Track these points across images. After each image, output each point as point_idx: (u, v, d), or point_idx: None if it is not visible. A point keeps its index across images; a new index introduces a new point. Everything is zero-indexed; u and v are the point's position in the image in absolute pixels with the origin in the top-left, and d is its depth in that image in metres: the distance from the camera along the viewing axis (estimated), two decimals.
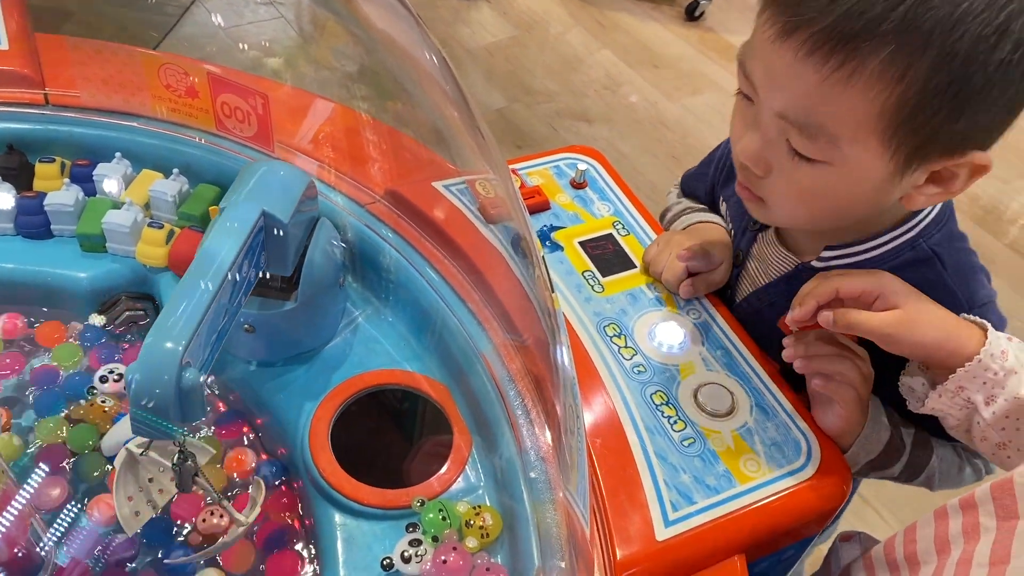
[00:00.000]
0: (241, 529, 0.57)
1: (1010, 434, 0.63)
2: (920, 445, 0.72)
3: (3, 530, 0.48)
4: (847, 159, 0.61)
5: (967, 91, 0.56)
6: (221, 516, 0.61)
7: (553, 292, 0.62)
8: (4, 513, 0.48)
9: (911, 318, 0.64)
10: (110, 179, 0.80)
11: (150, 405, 0.51)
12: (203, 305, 0.54)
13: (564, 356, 0.59)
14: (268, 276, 0.69)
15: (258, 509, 0.58)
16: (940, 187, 0.64)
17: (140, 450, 0.57)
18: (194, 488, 0.58)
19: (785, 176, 0.65)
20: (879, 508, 1.47)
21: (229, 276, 0.56)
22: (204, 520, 0.61)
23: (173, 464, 0.56)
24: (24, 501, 0.50)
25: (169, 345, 0.51)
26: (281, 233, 0.63)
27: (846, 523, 0.87)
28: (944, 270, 0.69)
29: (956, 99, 0.57)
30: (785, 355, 0.70)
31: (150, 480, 0.59)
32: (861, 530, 0.79)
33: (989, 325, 0.64)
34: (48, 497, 0.59)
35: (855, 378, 0.67)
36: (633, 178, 2.21)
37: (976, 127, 0.59)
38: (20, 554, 0.51)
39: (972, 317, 0.66)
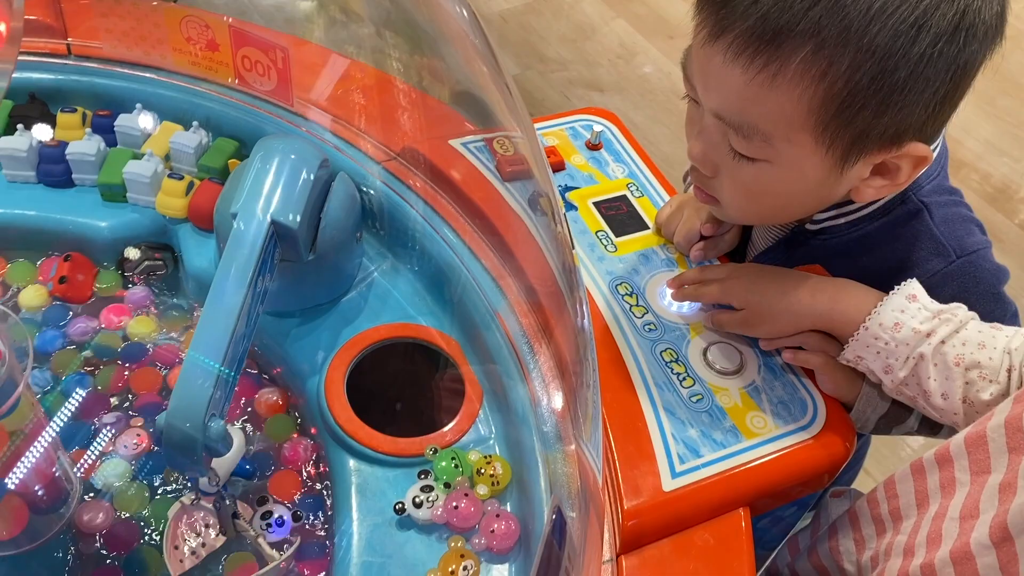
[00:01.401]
0: (269, 567, 0.59)
1: (914, 390, 0.65)
2: None
3: (32, 463, 0.49)
4: (784, 157, 0.63)
5: (891, 85, 0.57)
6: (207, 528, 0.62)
7: (573, 249, 0.63)
8: (33, 446, 0.49)
9: (754, 314, 0.70)
10: (134, 118, 0.81)
11: (178, 462, 0.56)
12: (213, 376, 0.55)
13: (582, 310, 0.60)
14: None
15: (289, 553, 0.60)
16: (886, 179, 0.65)
17: (191, 501, 0.61)
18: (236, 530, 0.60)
19: (730, 176, 0.67)
20: (868, 466, 1.49)
21: (242, 313, 0.58)
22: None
23: (214, 505, 0.59)
24: (53, 435, 0.52)
25: (188, 425, 0.54)
26: (292, 236, 0.64)
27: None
28: (932, 221, 0.70)
29: (880, 94, 0.57)
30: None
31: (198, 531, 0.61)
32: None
33: (886, 299, 0.65)
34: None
35: (816, 343, 0.69)
36: (645, 148, 2.20)
37: (907, 120, 0.60)
38: (47, 487, 0.53)
39: (873, 292, 0.67)
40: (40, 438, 0.50)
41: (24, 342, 0.47)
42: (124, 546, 0.59)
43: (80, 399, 0.67)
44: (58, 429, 0.53)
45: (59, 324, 0.72)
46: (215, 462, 0.59)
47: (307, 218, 0.65)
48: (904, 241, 0.71)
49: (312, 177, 0.66)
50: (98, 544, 0.59)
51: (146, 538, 0.61)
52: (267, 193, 0.63)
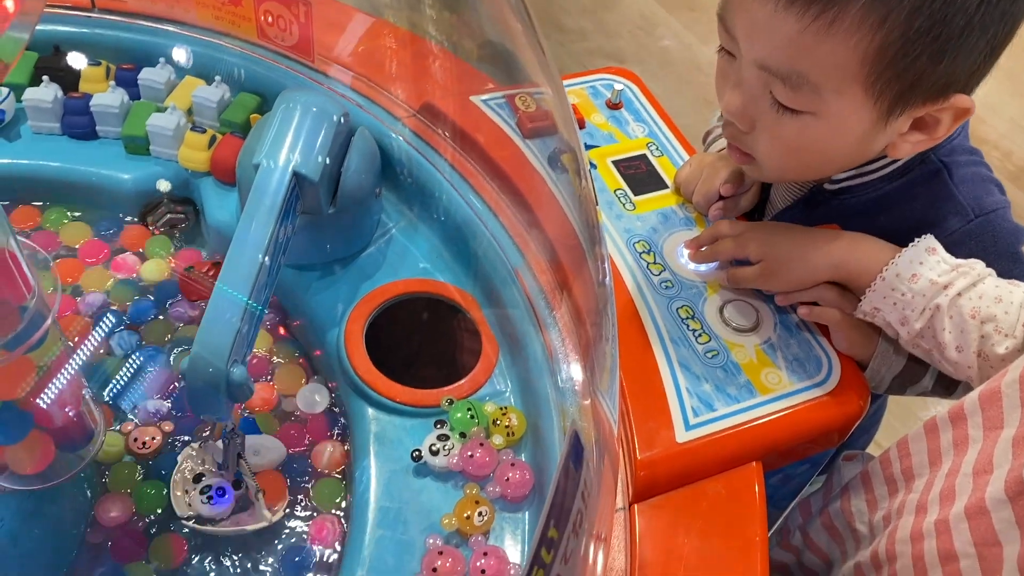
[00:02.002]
0: (263, 524, 0.59)
1: (930, 342, 0.65)
2: None
3: (57, 396, 0.50)
4: (831, 108, 0.62)
5: (948, 33, 0.56)
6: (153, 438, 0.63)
7: (597, 205, 0.63)
8: (57, 378, 0.50)
9: (770, 266, 0.70)
10: (157, 79, 0.81)
11: (203, 404, 0.56)
12: (240, 311, 0.56)
13: (603, 265, 0.60)
14: None
15: (281, 514, 0.61)
16: (924, 133, 0.64)
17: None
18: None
19: (770, 130, 0.66)
20: (877, 437, 1.49)
21: (264, 259, 0.59)
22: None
23: (222, 437, 0.60)
24: (78, 369, 0.53)
25: (211, 370, 0.54)
26: (313, 189, 0.65)
27: None
28: (951, 180, 0.70)
29: (937, 42, 0.57)
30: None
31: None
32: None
33: (905, 250, 0.66)
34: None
35: (832, 298, 0.69)
36: None
37: (958, 70, 0.59)
38: (72, 423, 0.54)
39: (890, 245, 0.67)
40: (65, 372, 0.51)
41: (55, 280, 0.47)
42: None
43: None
44: (82, 364, 0.54)
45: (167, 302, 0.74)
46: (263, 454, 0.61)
47: (328, 171, 0.66)
48: (923, 200, 0.70)
49: (333, 131, 0.66)
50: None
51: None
52: (289, 145, 0.64)
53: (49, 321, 0.47)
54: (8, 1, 0.33)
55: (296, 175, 0.63)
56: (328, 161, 0.65)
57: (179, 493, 0.60)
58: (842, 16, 0.57)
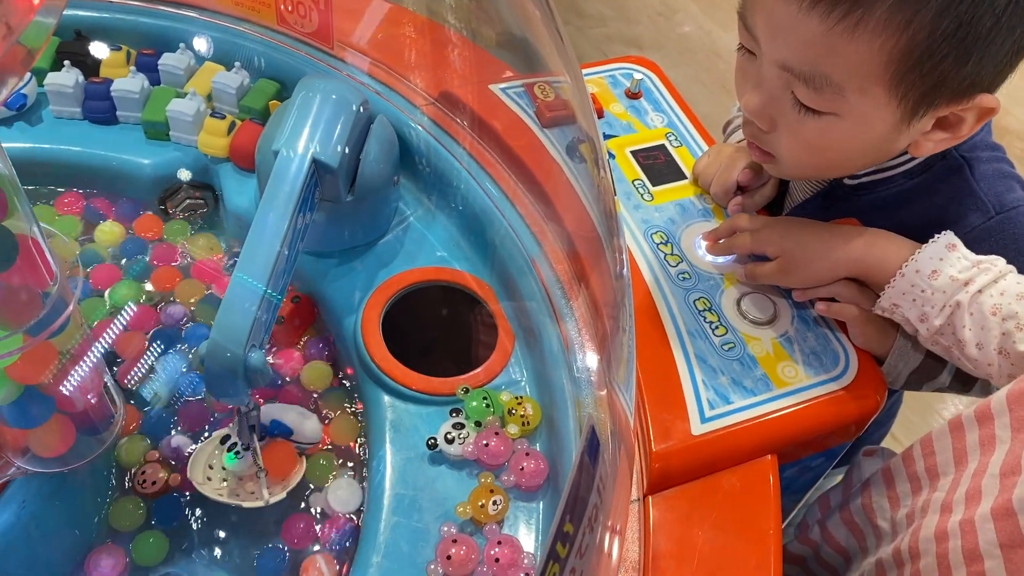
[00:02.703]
0: (258, 503, 0.60)
1: (949, 339, 0.64)
2: None
3: (79, 381, 0.51)
4: (854, 109, 0.61)
5: (974, 35, 0.56)
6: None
7: (616, 196, 0.63)
8: (80, 365, 0.51)
9: (788, 261, 0.70)
10: (177, 64, 0.82)
11: (221, 388, 0.57)
12: (258, 296, 0.56)
13: (621, 256, 0.60)
14: None
15: (283, 495, 0.61)
16: (947, 132, 0.64)
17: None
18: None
19: (791, 130, 0.65)
20: (893, 430, 1.48)
21: (284, 244, 0.59)
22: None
23: (239, 412, 0.60)
24: (99, 355, 0.53)
25: (229, 355, 0.55)
26: (332, 176, 0.65)
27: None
28: (972, 177, 0.69)
29: (964, 43, 0.56)
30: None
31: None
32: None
33: (925, 247, 0.65)
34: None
35: (851, 294, 0.69)
36: None
37: (983, 71, 0.58)
38: (93, 407, 0.55)
39: (910, 241, 0.67)
40: (87, 358, 0.51)
41: (74, 263, 0.48)
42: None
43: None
44: (104, 351, 0.55)
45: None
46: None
47: (347, 158, 0.66)
48: (943, 197, 0.70)
49: (353, 119, 0.66)
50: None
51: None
52: (308, 133, 0.64)
53: (72, 307, 0.48)
54: None
55: (315, 163, 0.63)
56: (347, 150, 0.65)
57: (202, 458, 0.61)
58: (867, 18, 0.56)
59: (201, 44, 0.84)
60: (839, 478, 0.81)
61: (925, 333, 0.65)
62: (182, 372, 0.67)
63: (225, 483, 0.60)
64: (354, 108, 0.67)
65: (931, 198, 0.70)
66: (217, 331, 0.55)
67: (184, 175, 0.78)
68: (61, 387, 0.50)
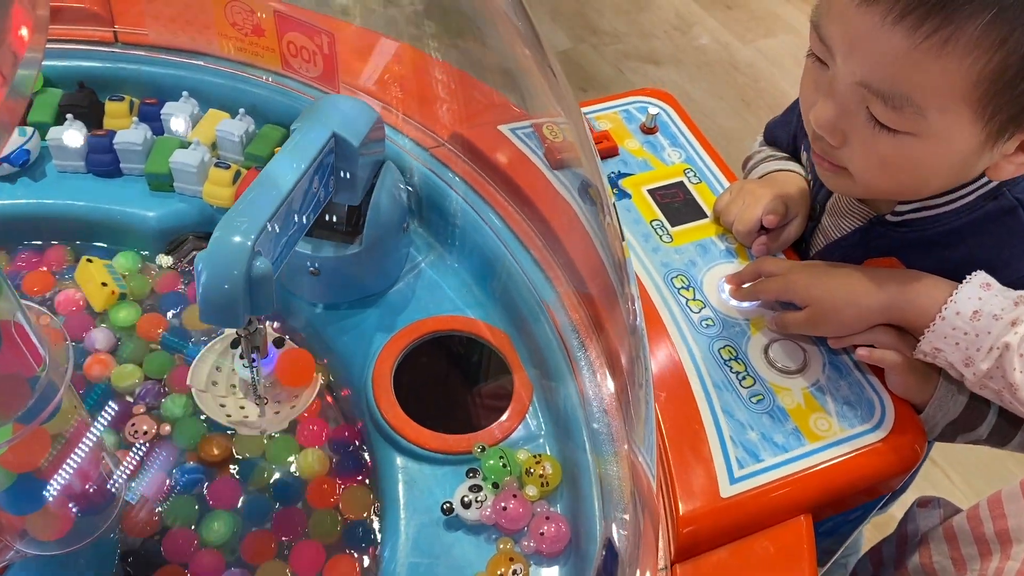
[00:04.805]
0: (255, 432, 0.58)
1: (999, 383, 0.61)
2: None
3: (75, 467, 0.49)
4: (934, 130, 0.58)
5: None
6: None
7: (624, 241, 0.60)
8: (76, 450, 0.49)
9: (819, 311, 0.66)
10: (177, 118, 0.80)
11: (219, 296, 0.50)
12: (275, 201, 0.53)
13: (633, 306, 0.57)
14: (334, 219, 0.69)
15: (285, 424, 0.59)
16: None
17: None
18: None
19: (864, 147, 0.62)
20: (946, 468, 1.43)
21: (301, 181, 0.56)
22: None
23: (239, 332, 0.56)
24: (96, 437, 0.51)
25: (238, 239, 0.50)
26: (351, 158, 0.63)
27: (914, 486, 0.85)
28: None
29: None
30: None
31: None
32: (932, 493, 0.76)
33: (961, 287, 0.62)
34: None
35: (891, 341, 0.65)
36: (702, 123, 2.13)
37: None
38: (92, 489, 0.53)
39: (944, 281, 0.64)
40: (84, 441, 0.49)
41: (66, 345, 0.46)
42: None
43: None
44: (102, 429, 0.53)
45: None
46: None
47: (365, 159, 0.64)
48: (994, 238, 0.66)
49: (373, 118, 0.65)
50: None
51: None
52: (329, 112, 0.63)
53: (63, 391, 0.46)
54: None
55: (335, 136, 0.61)
56: (366, 138, 0.63)
57: (208, 360, 0.59)
58: (958, 35, 0.53)
59: (205, 91, 0.83)
60: (884, 522, 0.77)
61: (972, 378, 0.61)
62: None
63: (230, 394, 0.57)
64: (372, 114, 0.65)
65: (981, 239, 0.67)
66: (222, 228, 0.50)
67: (164, 261, 0.77)
68: (56, 474, 0.48)
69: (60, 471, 0.48)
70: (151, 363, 0.68)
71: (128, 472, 0.58)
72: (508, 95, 0.77)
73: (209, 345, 0.58)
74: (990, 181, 0.66)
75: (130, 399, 0.66)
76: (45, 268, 0.75)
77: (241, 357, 0.57)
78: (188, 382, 0.57)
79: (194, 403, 0.63)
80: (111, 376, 0.67)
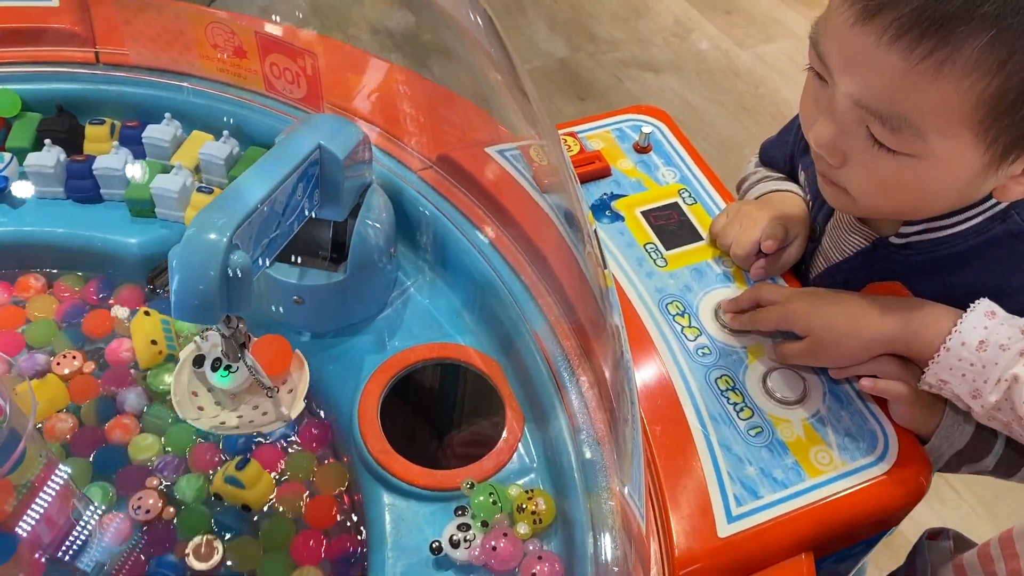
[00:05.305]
0: (279, 423, 0.56)
1: (1008, 415, 0.59)
2: None
3: (41, 514, 0.47)
4: (935, 152, 0.56)
5: None
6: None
7: (605, 269, 0.58)
8: (43, 496, 0.47)
9: (819, 341, 0.65)
10: (162, 137, 0.78)
11: (193, 295, 0.48)
12: (256, 196, 0.51)
13: (617, 338, 0.55)
14: (319, 247, 0.67)
15: (302, 405, 0.57)
16: None
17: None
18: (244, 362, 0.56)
19: (864, 167, 0.60)
20: (953, 481, 1.41)
21: (284, 184, 0.54)
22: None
23: (223, 333, 0.54)
24: (64, 479, 0.49)
25: (213, 236, 0.47)
26: (335, 171, 0.61)
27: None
28: None
29: None
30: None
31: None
32: (939, 510, 0.74)
33: (965, 316, 0.60)
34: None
35: (895, 372, 0.63)
36: (702, 130, 2.13)
37: None
38: (62, 534, 0.51)
39: (949, 310, 0.62)
40: (50, 487, 0.47)
41: (28, 394, 0.44)
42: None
43: None
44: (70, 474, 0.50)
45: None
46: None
47: (351, 172, 0.63)
48: (1001, 264, 0.64)
49: (359, 136, 0.64)
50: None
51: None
52: (315, 125, 0.62)
53: (24, 441, 0.44)
54: None
55: (320, 148, 0.60)
56: (351, 152, 0.62)
57: (182, 390, 0.56)
58: (955, 56, 0.51)
59: (188, 113, 0.81)
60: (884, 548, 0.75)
61: (979, 410, 0.59)
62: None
63: (221, 408, 0.55)
64: (357, 131, 0.64)
65: (987, 264, 0.65)
66: (197, 224, 0.48)
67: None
68: (21, 523, 0.46)
69: (25, 521, 0.46)
70: (172, 437, 0.64)
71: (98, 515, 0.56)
72: (496, 115, 0.75)
73: (173, 380, 0.56)
74: (998, 202, 0.64)
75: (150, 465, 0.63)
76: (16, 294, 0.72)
77: (214, 369, 0.54)
78: (180, 416, 0.54)
79: (208, 487, 0.61)
80: (129, 444, 0.63)
